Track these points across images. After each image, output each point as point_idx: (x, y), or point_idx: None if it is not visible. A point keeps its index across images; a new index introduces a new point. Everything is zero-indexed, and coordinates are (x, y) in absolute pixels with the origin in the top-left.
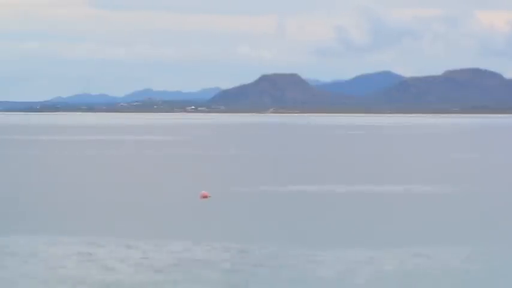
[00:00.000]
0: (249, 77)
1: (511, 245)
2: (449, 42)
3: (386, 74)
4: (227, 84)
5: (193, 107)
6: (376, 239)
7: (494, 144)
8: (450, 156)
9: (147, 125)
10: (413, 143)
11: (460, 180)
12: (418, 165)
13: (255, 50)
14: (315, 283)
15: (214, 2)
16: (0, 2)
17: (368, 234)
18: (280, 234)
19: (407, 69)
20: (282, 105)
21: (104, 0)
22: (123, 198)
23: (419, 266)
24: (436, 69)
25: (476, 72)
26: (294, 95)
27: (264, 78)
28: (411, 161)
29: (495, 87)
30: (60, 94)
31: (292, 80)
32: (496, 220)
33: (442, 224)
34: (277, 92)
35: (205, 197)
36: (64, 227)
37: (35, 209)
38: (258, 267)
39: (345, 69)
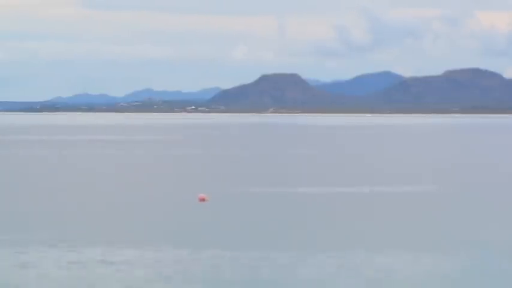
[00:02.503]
0: (249, 77)
1: (495, 249)
2: (449, 42)
3: (386, 74)
4: (227, 84)
5: (193, 107)
6: (361, 243)
7: (483, 144)
8: (435, 157)
9: (146, 125)
10: (405, 143)
11: (438, 182)
12: (405, 166)
13: (255, 50)
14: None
15: (214, 2)
16: (0, 2)
17: (361, 237)
18: (277, 237)
19: (407, 69)
20: (282, 105)
21: (104, 1)
22: (119, 201)
23: (414, 270)
24: (436, 69)
25: (476, 72)
26: (294, 95)
27: (264, 78)
28: (398, 161)
29: (495, 87)
30: (60, 94)
31: (292, 80)
32: (475, 222)
33: (424, 227)
34: (277, 92)
35: (203, 199)
36: (55, 230)
37: (28, 213)
38: (255, 271)
39: (345, 69)
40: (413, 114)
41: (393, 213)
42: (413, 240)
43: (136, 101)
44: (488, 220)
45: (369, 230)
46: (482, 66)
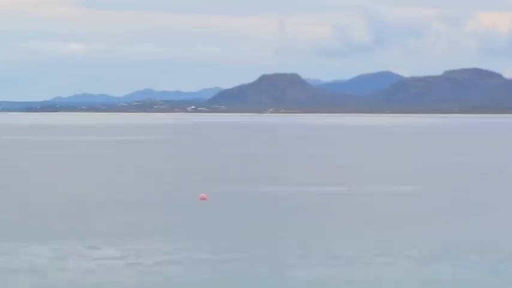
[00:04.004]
0: (249, 77)
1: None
2: (450, 42)
3: (386, 74)
4: (227, 84)
5: (193, 107)
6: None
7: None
8: (434, 157)
9: (146, 125)
10: (404, 143)
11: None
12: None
13: (255, 50)
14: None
15: (214, 2)
16: (0, 2)
17: (358, 237)
18: (276, 237)
19: (407, 69)
20: (282, 105)
21: (104, 1)
22: (119, 201)
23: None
24: (436, 69)
25: (476, 72)
26: (294, 95)
27: (264, 78)
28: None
29: (495, 87)
30: (60, 94)
31: (292, 80)
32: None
33: (419, 228)
34: (277, 92)
35: (203, 199)
36: (54, 229)
37: (27, 212)
38: (254, 271)
39: (345, 69)
40: (413, 114)
41: (390, 214)
42: (407, 241)
43: (136, 101)
44: (485, 221)
45: (364, 231)
46: (482, 66)
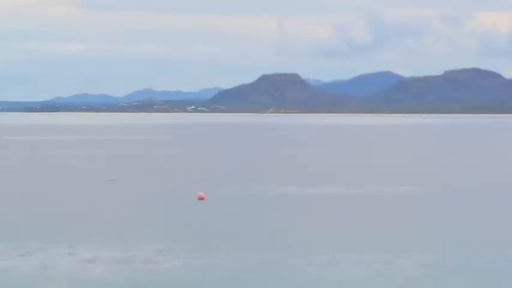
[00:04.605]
0: (249, 77)
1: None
2: (450, 42)
3: (387, 74)
4: (227, 84)
5: (193, 107)
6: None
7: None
8: (433, 157)
9: (145, 125)
10: (405, 143)
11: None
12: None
13: (255, 50)
14: None
15: (214, 2)
16: (0, 2)
17: (355, 237)
18: (275, 237)
19: (407, 69)
20: (282, 105)
21: (105, 1)
22: (118, 201)
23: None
24: (436, 69)
25: (476, 72)
26: (294, 95)
27: (264, 78)
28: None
29: (495, 87)
30: (60, 94)
31: (292, 80)
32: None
33: (417, 228)
34: (277, 92)
35: (201, 198)
36: (49, 230)
37: (24, 213)
38: (253, 271)
39: (345, 69)
40: (413, 114)
41: (386, 214)
42: (407, 242)
43: (136, 101)
44: (485, 221)
45: (364, 231)
46: (482, 66)
